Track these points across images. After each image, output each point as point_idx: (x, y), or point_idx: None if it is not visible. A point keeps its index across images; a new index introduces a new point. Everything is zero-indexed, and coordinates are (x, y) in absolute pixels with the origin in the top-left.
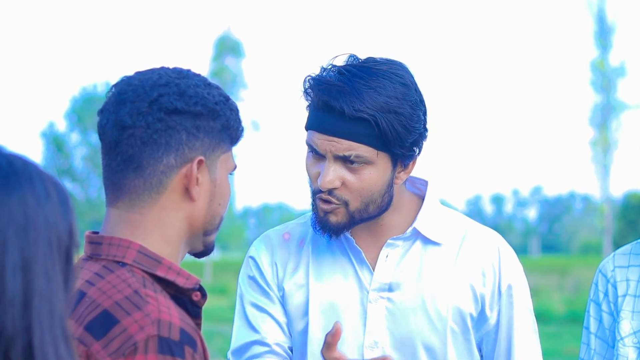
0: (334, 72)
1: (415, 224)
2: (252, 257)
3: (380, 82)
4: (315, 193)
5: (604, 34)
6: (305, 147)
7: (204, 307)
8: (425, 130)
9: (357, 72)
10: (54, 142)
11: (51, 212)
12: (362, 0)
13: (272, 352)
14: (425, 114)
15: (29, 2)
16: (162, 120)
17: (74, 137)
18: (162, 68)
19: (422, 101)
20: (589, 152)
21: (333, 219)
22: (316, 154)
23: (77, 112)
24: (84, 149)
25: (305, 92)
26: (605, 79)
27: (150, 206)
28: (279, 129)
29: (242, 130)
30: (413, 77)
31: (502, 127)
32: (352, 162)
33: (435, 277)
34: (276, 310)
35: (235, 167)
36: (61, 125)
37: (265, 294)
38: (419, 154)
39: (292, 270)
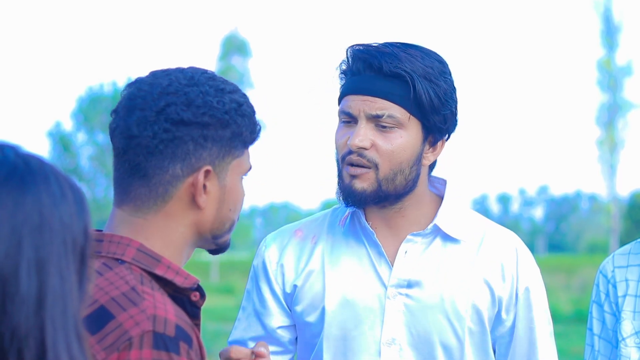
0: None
1: (436, 220)
2: (262, 258)
3: (419, 54)
4: (343, 158)
5: (610, 33)
6: (313, 148)
7: (210, 307)
8: (456, 116)
9: (397, 44)
10: (61, 142)
11: (66, 212)
12: (369, 0)
13: None
14: (456, 101)
15: (36, 2)
16: (168, 130)
17: (81, 137)
18: (176, 71)
19: (455, 88)
20: (595, 151)
21: (359, 185)
22: (349, 117)
23: (83, 112)
24: (91, 149)
25: (342, 64)
26: (611, 78)
27: (155, 212)
28: (286, 129)
29: (258, 130)
30: (448, 66)
31: (509, 127)
32: (383, 126)
33: (455, 276)
34: (273, 321)
35: (249, 168)
36: (68, 125)
37: (265, 305)
38: (447, 137)
39: (303, 266)
